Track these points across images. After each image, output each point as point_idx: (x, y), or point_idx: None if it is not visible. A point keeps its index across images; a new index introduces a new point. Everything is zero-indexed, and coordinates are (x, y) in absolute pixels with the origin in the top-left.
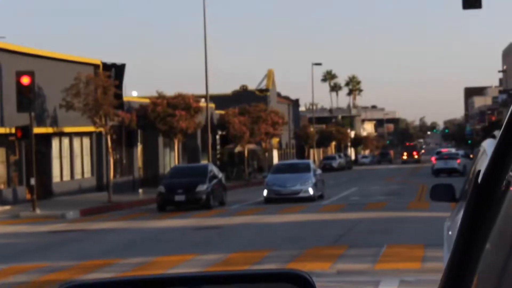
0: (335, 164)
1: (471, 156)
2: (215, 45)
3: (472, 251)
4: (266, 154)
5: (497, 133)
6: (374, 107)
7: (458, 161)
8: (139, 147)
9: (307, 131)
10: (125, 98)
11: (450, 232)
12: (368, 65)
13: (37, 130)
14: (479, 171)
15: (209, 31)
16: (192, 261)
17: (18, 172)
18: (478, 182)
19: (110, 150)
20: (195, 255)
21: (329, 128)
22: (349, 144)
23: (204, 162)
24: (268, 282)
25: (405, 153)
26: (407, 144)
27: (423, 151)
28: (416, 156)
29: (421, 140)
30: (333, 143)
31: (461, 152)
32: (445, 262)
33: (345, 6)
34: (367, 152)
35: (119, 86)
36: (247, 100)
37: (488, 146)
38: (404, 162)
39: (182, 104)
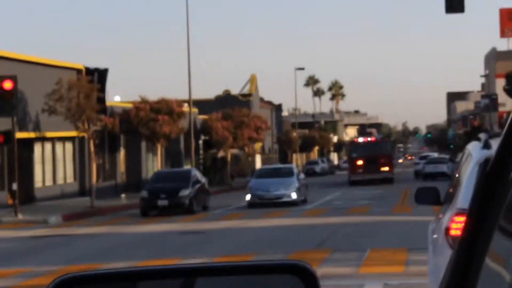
0: (318, 169)
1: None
2: (198, 50)
3: (480, 237)
4: (249, 159)
5: (483, 136)
6: (356, 112)
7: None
8: (122, 152)
9: (290, 136)
10: (108, 103)
11: (434, 235)
12: (351, 70)
13: (19, 135)
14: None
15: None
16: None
17: (0, 177)
18: (485, 171)
19: (92, 155)
20: (179, 259)
21: (312, 133)
22: (332, 149)
23: (187, 167)
24: (271, 273)
25: (358, 162)
26: (365, 140)
27: (408, 156)
28: (386, 168)
29: (400, 145)
30: (316, 148)
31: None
32: (430, 264)
33: (328, 11)
34: None
35: (102, 91)
36: (230, 105)
37: (473, 148)
38: (353, 182)
39: (165, 108)
